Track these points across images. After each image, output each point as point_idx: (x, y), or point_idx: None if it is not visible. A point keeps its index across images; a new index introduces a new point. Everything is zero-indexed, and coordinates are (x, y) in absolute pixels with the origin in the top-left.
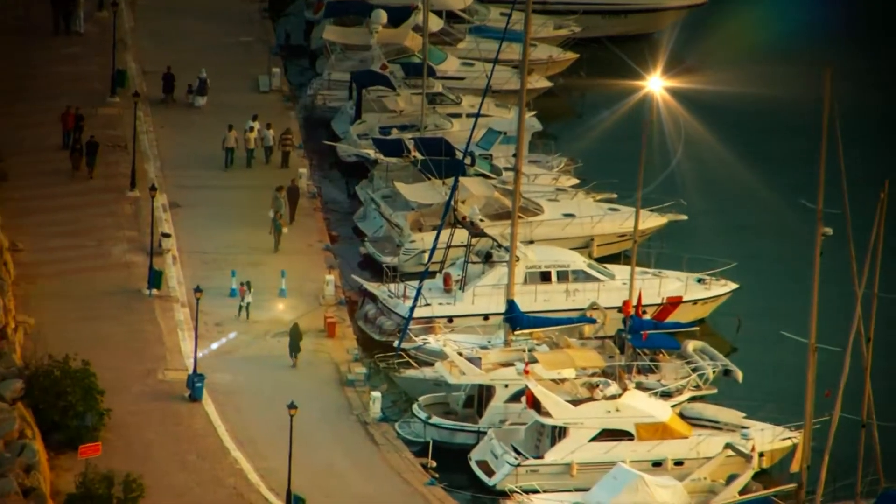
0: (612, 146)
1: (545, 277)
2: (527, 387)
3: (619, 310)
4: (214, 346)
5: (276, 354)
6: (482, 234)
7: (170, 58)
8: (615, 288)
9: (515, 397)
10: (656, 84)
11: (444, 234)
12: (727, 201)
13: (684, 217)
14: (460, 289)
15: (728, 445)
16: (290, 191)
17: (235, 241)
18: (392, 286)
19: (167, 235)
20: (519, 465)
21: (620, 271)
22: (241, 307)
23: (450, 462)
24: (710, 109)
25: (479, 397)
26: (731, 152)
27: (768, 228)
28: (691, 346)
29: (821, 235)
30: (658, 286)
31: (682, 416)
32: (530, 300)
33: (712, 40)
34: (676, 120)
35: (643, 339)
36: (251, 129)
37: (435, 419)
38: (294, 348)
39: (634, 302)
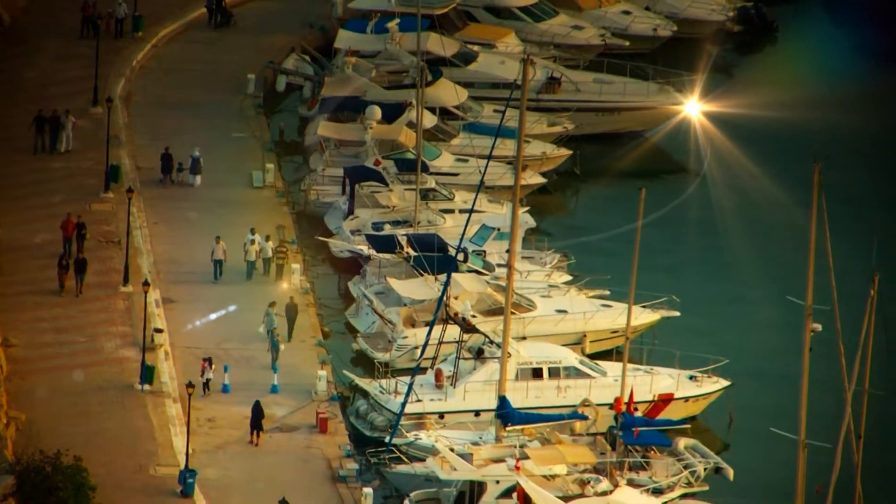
0: (604, 243)
1: (537, 374)
2: (518, 483)
3: (611, 406)
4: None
5: (270, 450)
6: (474, 330)
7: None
8: (607, 384)
9: (507, 493)
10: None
11: (437, 330)
12: (719, 296)
13: (677, 313)
14: (452, 385)
15: None
16: (288, 309)
17: (229, 335)
18: (384, 382)
19: (160, 331)
20: None
21: (612, 368)
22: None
23: None
24: (703, 204)
25: (471, 493)
26: (722, 247)
27: (760, 324)
28: (683, 443)
29: (809, 331)
30: (650, 383)
31: None
32: (522, 396)
33: (701, 140)
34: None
35: (635, 436)
36: (252, 241)
37: None
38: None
39: (626, 399)
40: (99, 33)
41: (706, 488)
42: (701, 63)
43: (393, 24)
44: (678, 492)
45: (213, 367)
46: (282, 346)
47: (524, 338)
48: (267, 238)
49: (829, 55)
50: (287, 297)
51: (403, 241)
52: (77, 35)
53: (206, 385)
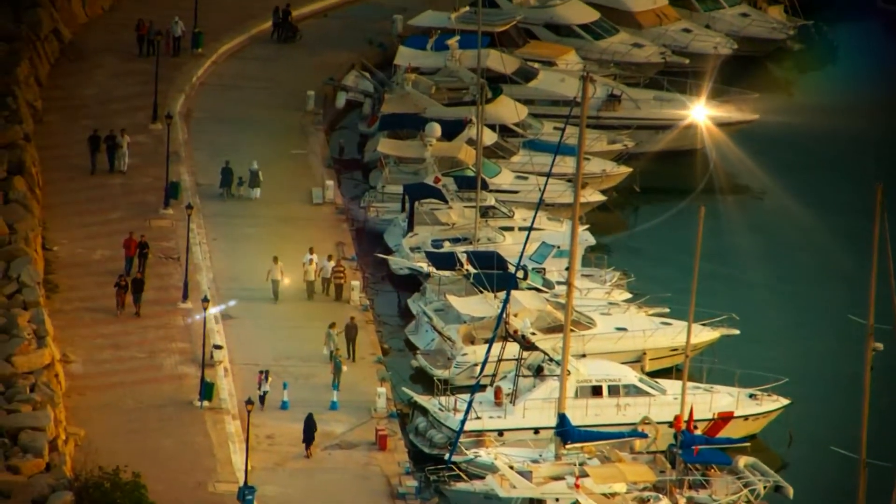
0: (665, 260)
1: (596, 391)
2: (577, 501)
3: (671, 424)
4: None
5: (329, 467)
6: (533, 348)
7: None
8: (666, 403)
9: None
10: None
11: (496, 347)
12: (779, 314)
13: (736, 332)
14: (511, 402)
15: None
16: (347, 329)
17: (288, 352)
18: (443, 399)
19: (219, 347)
20: None
21: (672, 386)
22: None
23: None
24: (763, 223)
25: None
26: (782, 266)
27: (821, 343)
28: (742, 461)
29: (871, 351)
30: (709, 401)
31: None
32: (581, 414)
33: (760, 156)
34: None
35: (694, 454)
36: (310, 261)
37: None
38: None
39: (686, 417)
40: (158, 51)
41: None
42: (760, 80)
43: (453, 42)
44: None
45: (270, 379)
46: (345, 368)
47: (584, 355)
48: (329, 258)
49: (889, 74)
50: (347, 316)
51: (463, 258)
52: (136, 53)
53: (262, 398)
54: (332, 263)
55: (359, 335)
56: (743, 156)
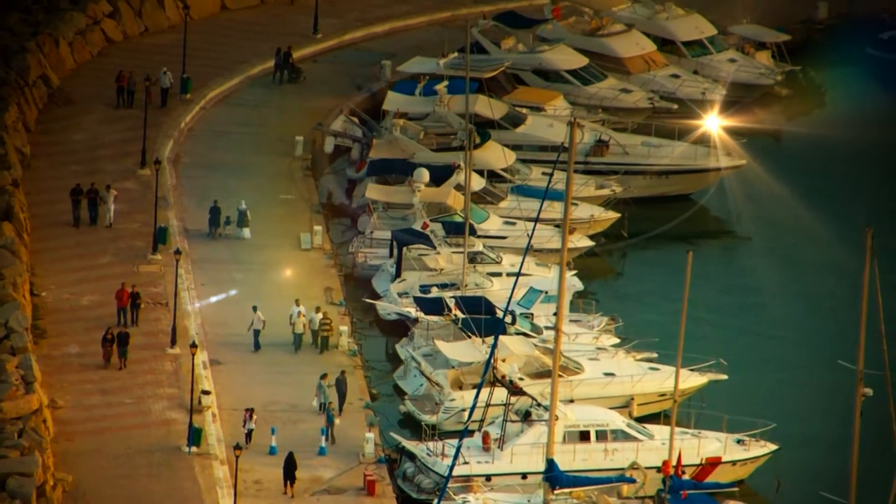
0: (652, 306)
1: (584, 436)
2: None
3: (659, 470)
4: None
5: None
6: (522, 393)
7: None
8: (654, 448)
9: None
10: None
11: (484, 392)
12: (768, 359)
13: (724, 377)
14: (499, 447)
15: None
16: (338, 382)
17: (276, 398)
18: (431, 444)
19: (207, 392)
20: None
21: (660, 431)
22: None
23: None
24: (751, 266)
25: None
26: (771, 310)
27: (809, 388)
28: None
29: (860, 396)
30: (697, 446)
31: None
32: (569, 459)
33: (748, 202)
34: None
35: (682, 499)
36: (298, 313)
37: None
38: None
39: (674, 462)
40: (133, 102)
41: None
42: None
43: (441, 87)
44: None
45: (255, 417)
46: (337, 421)
47: (572, 400)
48: (317, 309)
49: (877, 119)
50: (338, 370)
51: (451, 303)
52: (113, 105)
53: (248, 436)
54: (320, 316)
55: (348, 381)
56: (732, 199)
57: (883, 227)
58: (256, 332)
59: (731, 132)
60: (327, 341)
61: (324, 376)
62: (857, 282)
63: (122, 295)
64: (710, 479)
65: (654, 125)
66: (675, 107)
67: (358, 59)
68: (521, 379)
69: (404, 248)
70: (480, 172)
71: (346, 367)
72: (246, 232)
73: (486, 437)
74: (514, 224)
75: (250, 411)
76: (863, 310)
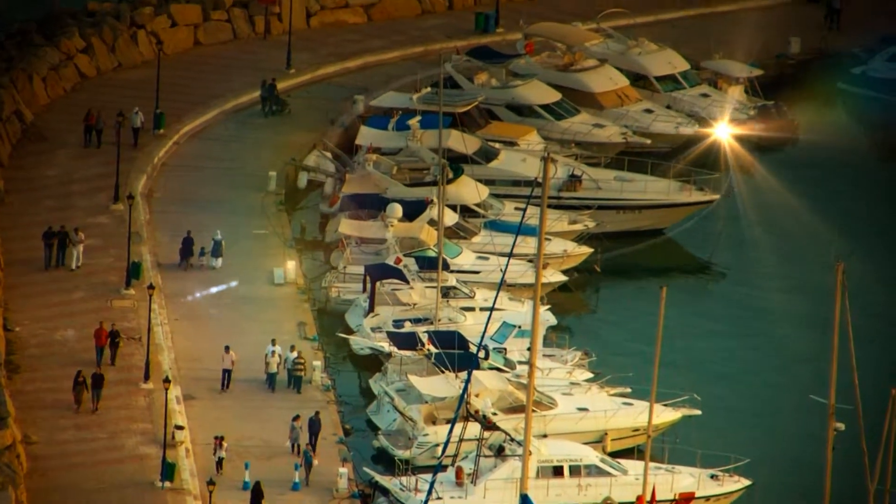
0: (626, 340)
1: (558, 472)
2: None
3: None
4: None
5: None
6: (495, 428)
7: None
8: (628, 483)
9: None
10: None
11: (458, 427)
12: (741, 394)
13: (698, 412)
14: (472, 482)
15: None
16: (311, 423)
17: (250, 433)
18: (404, 479)
19: (180, 427)
20: None
21: (634, 466)
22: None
23: None
24: (724, 302)
25: None
26: (743, 345)
27: (782, 423)
28: None
29: (833, 431)
30: (671, 482)
31: None
32: (543, 494)
33: (721, 235)
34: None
35: None
36: (272, 352)
37: None
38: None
39: (648, 497)
40: (101, 142)
41: None
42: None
43: (414, 122)
44: None
45: (226, 444)
46: (316, 462)
47: (545, 435)
48: (292, 348)
49: (850, 154)
50: (312, 408)
51: (424, 338)
52: (81, 144)
53: (218, 464)
54: (294, 355)
55: (321, 415)
56: (705, 234)
57: (854, 262)
58: (226, 372)
59: (741, 140)
60: (300, 382)
61: (296, 418)
62: (829, 316)
63: (101, 334)
64: None
65: (626, 160)
66: (649, 141)
67: (331, 93)
68: (494, 414)
69: (377, 283)
70: (453, 207)
71: (319, 402)
72: (219, 262)
73: (459, 471)
74: (487, 259)
75: (220, 439)
76: (834, 344)
